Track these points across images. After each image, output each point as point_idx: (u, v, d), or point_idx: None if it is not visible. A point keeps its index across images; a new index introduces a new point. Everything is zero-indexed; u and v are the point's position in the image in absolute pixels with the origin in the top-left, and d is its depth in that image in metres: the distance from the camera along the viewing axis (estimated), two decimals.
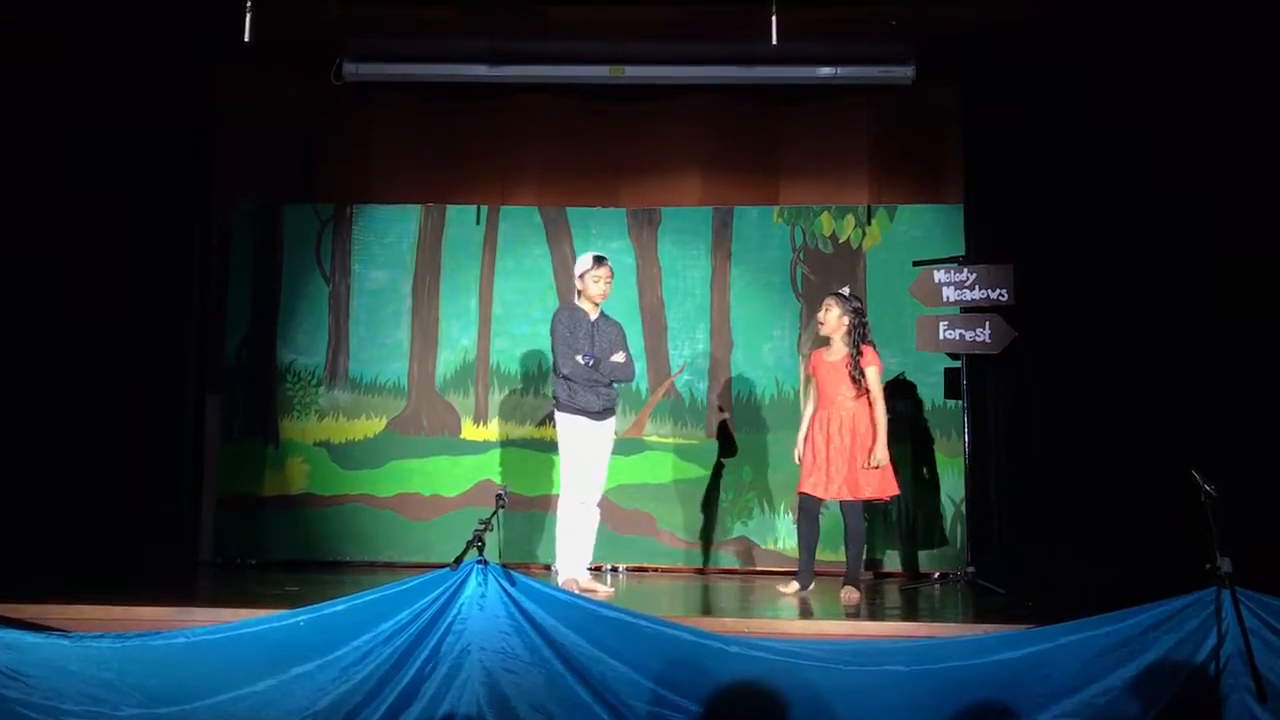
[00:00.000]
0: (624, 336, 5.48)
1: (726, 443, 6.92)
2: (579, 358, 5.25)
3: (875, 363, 5.31)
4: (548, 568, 6.04)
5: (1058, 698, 3.58)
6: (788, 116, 7.35)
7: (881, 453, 5.22)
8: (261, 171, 7.29)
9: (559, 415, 5.31)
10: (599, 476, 5.38)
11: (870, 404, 5.28)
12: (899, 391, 6.78)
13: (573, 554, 5.29)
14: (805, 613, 4.88)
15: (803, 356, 6.79)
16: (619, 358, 5.36)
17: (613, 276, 5.41)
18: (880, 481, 5.24)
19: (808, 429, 5.40)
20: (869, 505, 5.46)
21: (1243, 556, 3.65)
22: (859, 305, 5.42)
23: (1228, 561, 3.62)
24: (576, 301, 5.42)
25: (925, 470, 6.76)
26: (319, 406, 7.05)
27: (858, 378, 5.25)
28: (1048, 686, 3.58)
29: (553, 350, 5.35)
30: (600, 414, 5.30)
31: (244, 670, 3.62)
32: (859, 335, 5.33)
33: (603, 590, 5.35)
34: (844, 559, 5.43)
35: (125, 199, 6.52)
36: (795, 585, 5.33)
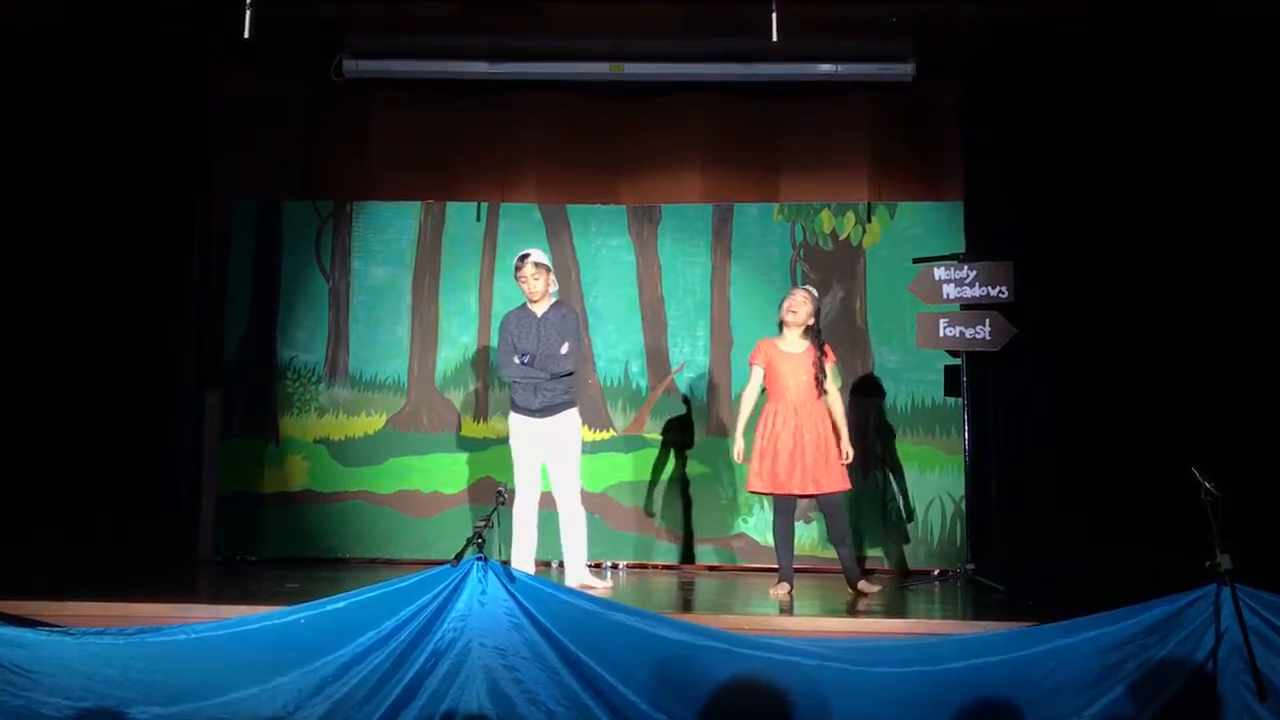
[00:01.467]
0: (573, 324, 5.34)
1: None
2: (515, 358, 5.25)
3: (832, 357, 5.43)
4: (547, 564, 6.04)
5: (1066, 706, 3.58)
6: (788, 113, 7.34)
7: (850, 446, 5.32)
8: (261, 168, 7.28)
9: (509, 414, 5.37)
10: (562, 475, 5.29)
11: (830, 401, 5.35)
12: (898, 388, 6.80)
13: (523, 549, 5.26)
14: (804, 610, 4.88)
15: None
16: (564, 349, 5.28)
17: (544, 270, 5.29)
18: (839, 474, 5.26)
19: (762, 425, 5.32)
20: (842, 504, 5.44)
21: (1243, 554, 3.65)
22: (819, 307, 5.53)
23: (1227, 559, 3.62)
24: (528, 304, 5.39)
25: (924, 467, 6.77)
26: (319, 403, 7.05)
27: (822, 377, 5.30)
28: (1048, 685, 3.59)
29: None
30: (539, 412, 5.23)
31: (246, 668, 3.62)
32: (818, 334, 5.43)
33: (601, 586, 5.35)
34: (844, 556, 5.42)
35: (125, 196, 6.51)
36: (786, 586, 5.25)
